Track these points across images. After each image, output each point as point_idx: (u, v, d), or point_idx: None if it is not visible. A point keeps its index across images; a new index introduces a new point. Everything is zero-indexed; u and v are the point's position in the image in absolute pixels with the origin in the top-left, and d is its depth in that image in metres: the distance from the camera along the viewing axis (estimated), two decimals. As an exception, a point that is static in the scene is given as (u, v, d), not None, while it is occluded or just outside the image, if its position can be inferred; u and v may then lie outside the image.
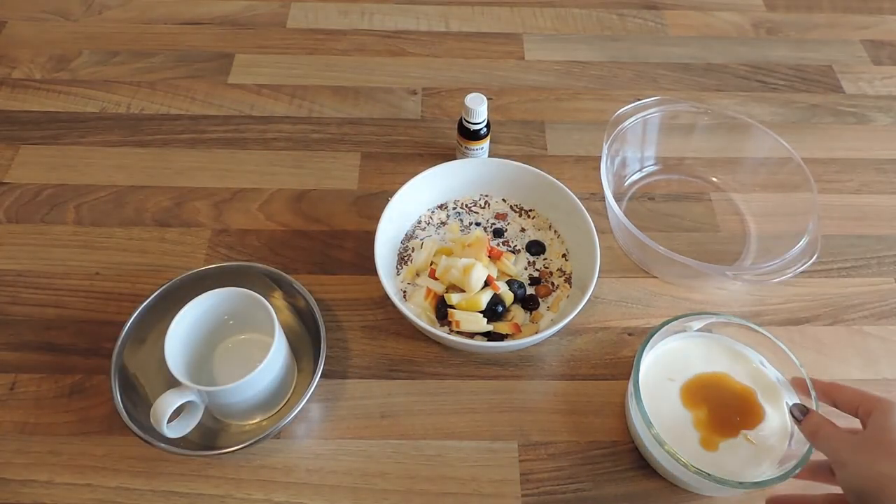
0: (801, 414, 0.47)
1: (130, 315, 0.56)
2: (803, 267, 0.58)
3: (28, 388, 0.57)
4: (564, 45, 0.89)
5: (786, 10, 0.95)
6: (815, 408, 0.49)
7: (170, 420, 0.48)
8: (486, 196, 0.69)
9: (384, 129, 0.78)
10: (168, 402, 0.48)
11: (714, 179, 0.74)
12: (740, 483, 0.46)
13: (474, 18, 0.92)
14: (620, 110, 0.68)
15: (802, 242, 0.59)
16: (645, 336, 0.51)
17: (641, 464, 0.55)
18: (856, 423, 0.46)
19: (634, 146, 0.72)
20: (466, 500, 0.53)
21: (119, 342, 0.54)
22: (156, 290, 0.57)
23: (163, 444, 0.50)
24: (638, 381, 0.50)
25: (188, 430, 0.51)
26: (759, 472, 0.48)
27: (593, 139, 0.77)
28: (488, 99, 0.68)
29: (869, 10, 0.96)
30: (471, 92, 0.68)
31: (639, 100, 0.70)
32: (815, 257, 0.58)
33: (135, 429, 0.50)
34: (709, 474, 0.46)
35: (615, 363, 0.60)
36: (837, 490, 0.45)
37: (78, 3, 0.90)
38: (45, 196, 0.70)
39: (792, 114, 0.82)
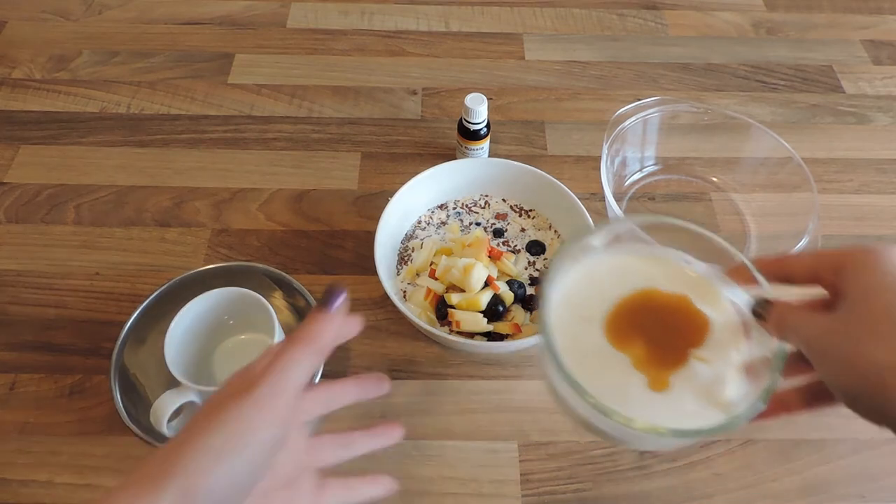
0: (763, 310, 0.37)
1: (130, 315, 0.56)
2: (803, 267, 0.58)
3: (28, 388, 0.57)
4: (564, 45, 0.89)
5: (786, 10, 0.95)
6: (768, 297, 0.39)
7: (170, 420, 0.48)
8: (486, 196, 0.69)
9: (384, 129, 0.78)
10: (168, 402, 0.48)
11: (714, 179, 0.74)
12: (709, 429, 0.35)
13: (474, 18, 0.92)
14: (620, 110, 0.68)
15: (802, 242, 0.59)
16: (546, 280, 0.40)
17: (641, 464, 0.55)
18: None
19: (634, 146, 0.72)
20: (466, 500, 0.53)
21: (119, 342, 0.54)
22: (156, 290, 0.57)
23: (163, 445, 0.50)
24: (554, 346, 0.36)
25: (188, 430, 0.51)
26: (729, 392, 0.38)
27: (593, 139, 0.77)
28: (488, 99, 0.68)
29: (869, 10, 0.96)
30: (471, 92, 0.68)
31: (639, 100, 0.70)
32: (815, 257, 0.58)
33: (135, 429, 0.50)
34: (681, 430, 0.34)
35: (615, 363, 0.60)
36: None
37: (78, 3, 0.90)
38: (45, 196, 0.70)
39: (792, 114, 0.82)
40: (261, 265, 0.59)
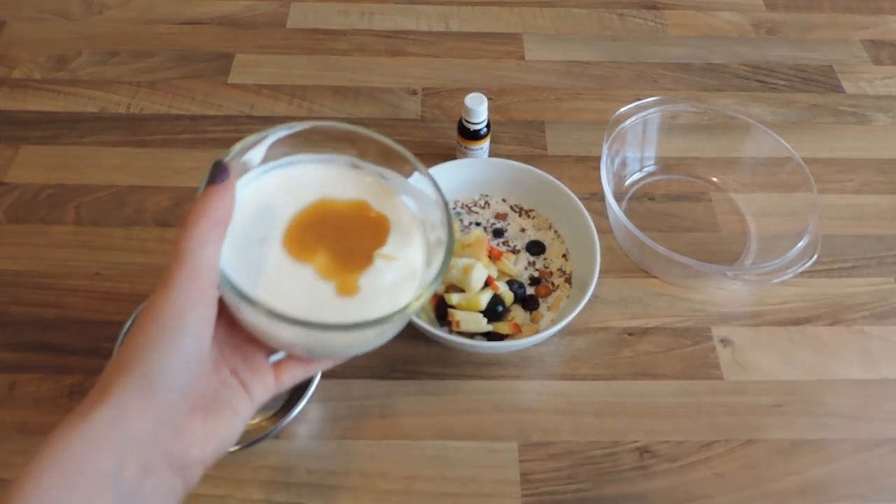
0: None
1: (130, 315, 0.56)
2: (803, 267, 0.58)
3: (28, 389, 0.57)
4: (564, 45, 0.89)
5: (786, 10, 0.95)
6: None
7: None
8: (486, 196, 0.69)
9: (384, 129, 0.77)
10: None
11: (714, 179, 0.74)
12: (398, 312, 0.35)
13: (474, 18, 0.91)
14: (620, 110, 0.68)
15: (802, 242, 0.59)
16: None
17: (641, 464, 0.55)
18: None
19: (634, 146, 0.72)
20: (466, 500, 0.53)
21: (119, 342, 0.54)
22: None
23: (163, 444, 0.49)
24: (236, 285, 0.33)
25: (188, 430, 0.51)
26: (418, 282, 0.38)
27: (593, 139, 0.77)
28: (488, 99, 0.68)
29: (869, 10, 0.96)
30: (471, 92, 0.68)
31: (639, 100, 0.70)
32: (815, 257, 0.58)
33: (135, 429, 0.50)
34: (366, 322, 0.34)
35: (615, 363, 0.60)
36: None
37: (78, 3, 0.90)
38: (45, 196, 0.70)
39: (792, 114, 0.82)
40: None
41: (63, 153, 0.74)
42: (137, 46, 0.85)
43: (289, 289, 0.36)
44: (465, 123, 0.68)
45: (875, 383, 0.60)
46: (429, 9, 0.92)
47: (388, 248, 0.39)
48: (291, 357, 0.38)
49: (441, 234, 0.39)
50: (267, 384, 0.37)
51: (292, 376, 0.38)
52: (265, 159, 0.39)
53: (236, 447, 0.50)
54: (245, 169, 0.39)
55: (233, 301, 0.34)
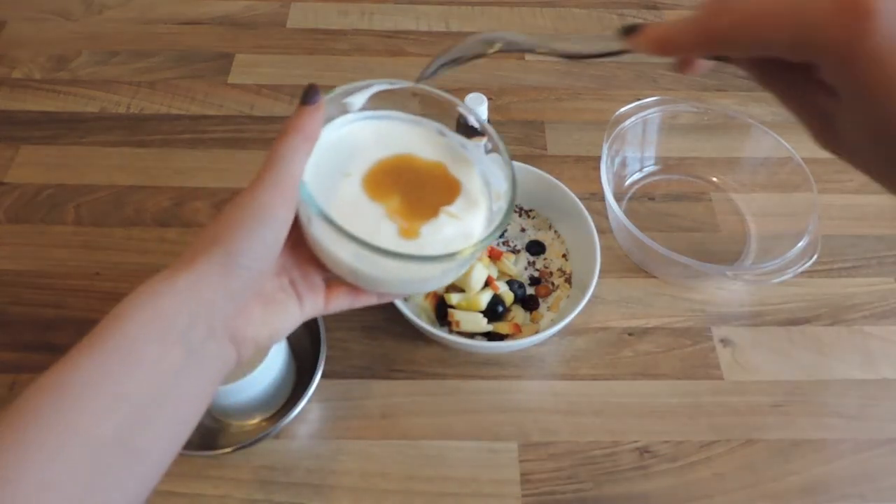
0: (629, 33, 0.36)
1: (130, 315, 0.56)
2: (803, 267, 0.58)
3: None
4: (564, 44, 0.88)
5: (786, 10, 0.95)
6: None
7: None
8: (486, 196, 0.69)
9: (384, 129, 0.77)
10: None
11: (714, 179, 0.74)
12: (451, 254, 0.38)
13: (474, 18, 0.91)
14: (620, 110, 0.68)
15: (802, 242, 0.59)
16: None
17: (641, 464, 0.55)
18: None
19: (634, 146, 0.72)
20: (466, 500, 0.53)
21: (119, 342, 0.54)
22: (156, 290, 0.57)
23: (163, 444, 0.50)
24: (309, 192, 0.37)
25: (188, 429, 0.51)
26: (473, 241, 0.41)
27: (593, 139, 0.77)
28: (488, 99, 0.68)
29: (869, 10, 0.96)
30: (471, 92, 0.68)
31: (639, 100, 0.70)
32: (815, 257, 0.58)
33: (135, 429, 0.50)
34: (429, 256, 0.38)
35: (615, 363, 0.60)
36: None
37: (78, 3, 0.90)
38: (45, 196, 0.70)
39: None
40: (261, 265, 0.59)
41: (63, 153, 0.74)
42: (137, 46, 0.85)
43: (357, 220, 0.38)
44: (465, 123, 0.68)
45: (875, 383, 0.60)
46: (429, 9, 0.92)
47: (454, 208, 0.42)
48: (343, 285, 0.41)
49: (503, 204, 0.43)
50: (317, 302, 0.40)
51: (338, 303, 0.42)
52: (364, 107, 0.43)
53: (234, 448, 0.50)
54: (345, 110, 0.43)
55: (305, 214, 0.38)
